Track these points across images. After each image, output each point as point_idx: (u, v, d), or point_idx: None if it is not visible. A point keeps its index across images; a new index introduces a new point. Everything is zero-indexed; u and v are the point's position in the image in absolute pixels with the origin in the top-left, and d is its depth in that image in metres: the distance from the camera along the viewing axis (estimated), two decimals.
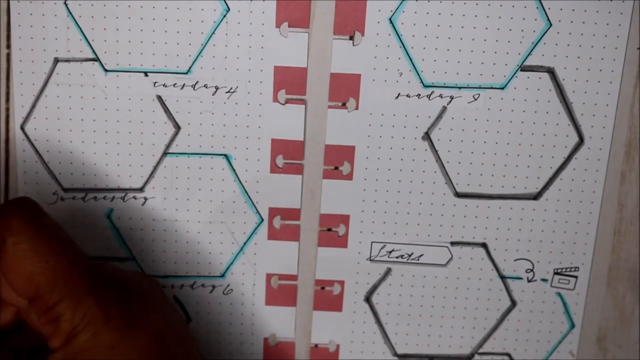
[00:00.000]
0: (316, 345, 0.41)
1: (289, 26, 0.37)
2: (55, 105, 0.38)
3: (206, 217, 0.39)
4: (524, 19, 0.37)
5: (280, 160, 0.39)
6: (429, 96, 0.38)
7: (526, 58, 0.38)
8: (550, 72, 0.38)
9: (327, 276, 0.41)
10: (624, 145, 0.39)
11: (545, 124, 0.39)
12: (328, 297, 0.41)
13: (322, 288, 0.41)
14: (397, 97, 0.38)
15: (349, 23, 0.37)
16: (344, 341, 0.41)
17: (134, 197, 0.39)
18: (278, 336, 0.41)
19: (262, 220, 0.40)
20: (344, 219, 0.40)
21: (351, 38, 0.38)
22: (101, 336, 0.31)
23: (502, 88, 0.38)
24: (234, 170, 0.39)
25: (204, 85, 0.38)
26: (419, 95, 0.38)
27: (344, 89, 0.38)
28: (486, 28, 0.37)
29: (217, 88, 0.38)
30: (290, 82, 0.38)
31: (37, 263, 0.31)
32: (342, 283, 0.41)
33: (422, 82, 0.38)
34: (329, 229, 0.40)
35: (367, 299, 0.41)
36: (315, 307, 0.41)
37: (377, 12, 0.37)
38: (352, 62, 0.38)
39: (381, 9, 0.37)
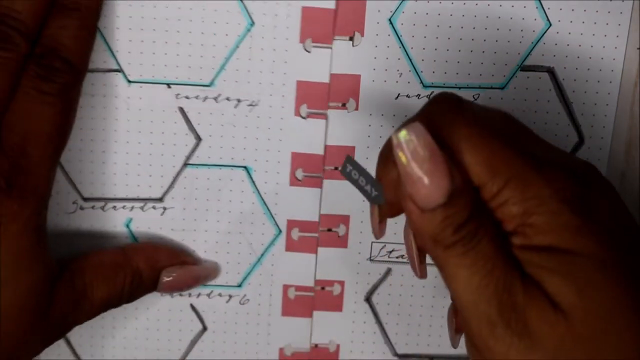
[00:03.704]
0: (316, 345, 0.42)
1: (313, 42, 0.38)
2: (77, 115, 0.37)
3: (225, 227, 0.40)
4: (523, 19, 0.38)
5: (300, 173, 0.39)
6: (428, 96, 0.39)
7: (526, 58, 0.38)
8: (550, 72, 0.39)
9: (327, 276, 0.41)
10: (624, 145, 0.40)
11: (545, 123, 0.39)
12: (328, 298, 0.41)
13: (322, 288, 0.41)
14: (397, 97, 0.39)
15: (349, 24, 0.38)
16: (344, 341, 0.42)
17: (154, 207, 0.39)
18: (294, 346, 0.41)
19: (280, 231, 0.40)
20: (344, 219, 0.40)
21: (351, 39, 0.38)
22: (559, 219, 0.28)
23: (502, 88, 0.39)
24: (253, 182, 0.39)
25: (226, 98, 0.38)
26: (418, 95, 0.39)
27: (344, 90, 0.38)
28: (485, 28, 0.38)
29: (239, 101, 0.38)
30: (312, 97, 0.38)
31: (473, 159, 0.29)
32: (342, 283, 0.41)
33: (421, 82, 0.38)
34: (329, 229, 0.40)
35: (368, 299, 0.41)
36: (315, 308, 0.41)
37: (377, 13, 0.38)
38: (352, 62, 0.38)
39: (380, 9, 0.37)
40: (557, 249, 0.28)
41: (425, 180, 0.27)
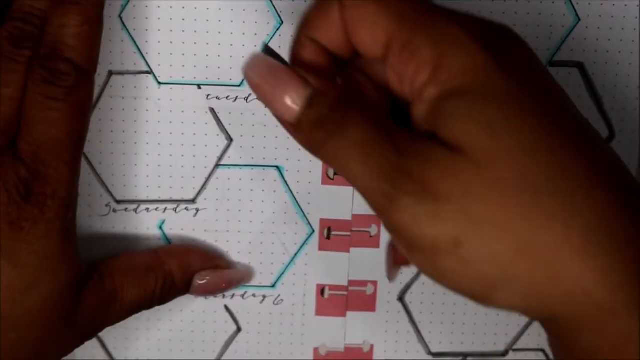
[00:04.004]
0: (350, 346, 0.42)
1: None
2: (109, 118, 0.38)
3: (257, 228, 0.40)
4: (552, 14, 0.37)
5: (331, 172, 0.39)
6: None
7: (555, 53, 0.38)
8: (580, 67, 0.38)
9: (360, 276, 0.41)
10: None
11: None
12: (361, 298, 0.41)
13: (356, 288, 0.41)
14: None
15: None
16: (377, 341, 0.42)
17: (186, 209, 0.39)
18: (328, 346, 0.41)
19: (313, 231, 0.40)
20: (376, 220, 0.40)
21: None
22: (473, 59, 0.27)
23: None
24: (285, 181, 0.39)
25: (257, 98, 0.38)
26: None
27: None
28: (514, 24, 0.37)
29: None
30: None
31: (379, 9, 0.28)
32: (375, 283, 0.41)
33: None
34: (362, 230, 0.40)
35: (401, 299, 0.41)
36: (348, 308, 0.41)
37: None
38: None
39: None
40: (471, 92, 0.26)
41: (278, 98, 0.28)
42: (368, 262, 0.40)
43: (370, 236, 0.40)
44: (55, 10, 0.33)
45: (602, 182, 0.26)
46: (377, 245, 0.40)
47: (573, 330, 0.27)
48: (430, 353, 0.42)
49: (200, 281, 0.39)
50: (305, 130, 0.28)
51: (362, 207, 0.39)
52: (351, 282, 0.41)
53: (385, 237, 0.40)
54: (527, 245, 0.26)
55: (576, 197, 0.26)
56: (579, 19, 0.38)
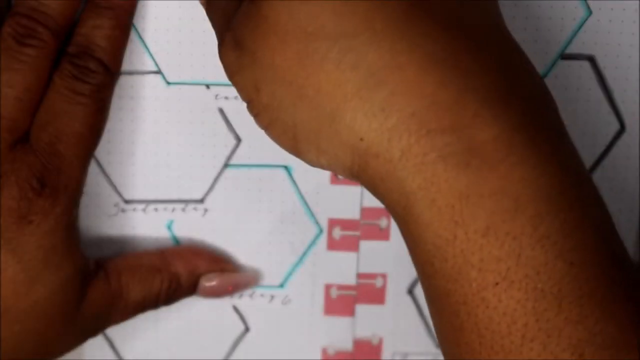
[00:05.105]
0: (359, 339, 0.42)
1: None
2: (117, 118, 0.38)
3: (266, 228, 0.40)
4: (563, 7, 0.37)
5: None
6: None
7: (566, 47, 0.38)
8: (591, 60, 0.38)
9: (369, 269, 0.41)
10: None
11: (586, 112, 0.38)
12: (371, 291, 0.41)
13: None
14: None
15: None
16: (387, 334, 0.42)
17: (195, 209, 0.39)
18: (336, 345, 0.41)
19: (322, 230, 0.40)
20: (386, 212, 0.40)
21: None
22: None
23: (543, 77, 0.38)
24: (294, 181, 0.39)
25: None
26: None
27: None
28: (526, 17, 0.37)
29: None
30: None
31: None
32: (384, 276, 0.41)
33: None
34: (372, 222, 0.40)
35: (410, 292, 0.41)
36: (358, 301, 0.41)
37: None
38: None
39: None
40: None
41: None
42: (377, 255, 0.40)
43: (380, 229, 0.40)
44: (89, 11, 0.34)
45: (393, 30, 0.25)
46: (387, 238, 0.40)
47: (373, 187, 0.27)
48: (439, 346, 0.42)
49: (207, 283, 0.39)
50: (205, 5, 0.32)
51: (371, 200, 0.39)
52: (360, 275, 0.41)
53: (396, 229, 0.40)
54: (305, 91, 0.26)
55: (355, 40, 0.26)
56: (591, 12, 0.37)
